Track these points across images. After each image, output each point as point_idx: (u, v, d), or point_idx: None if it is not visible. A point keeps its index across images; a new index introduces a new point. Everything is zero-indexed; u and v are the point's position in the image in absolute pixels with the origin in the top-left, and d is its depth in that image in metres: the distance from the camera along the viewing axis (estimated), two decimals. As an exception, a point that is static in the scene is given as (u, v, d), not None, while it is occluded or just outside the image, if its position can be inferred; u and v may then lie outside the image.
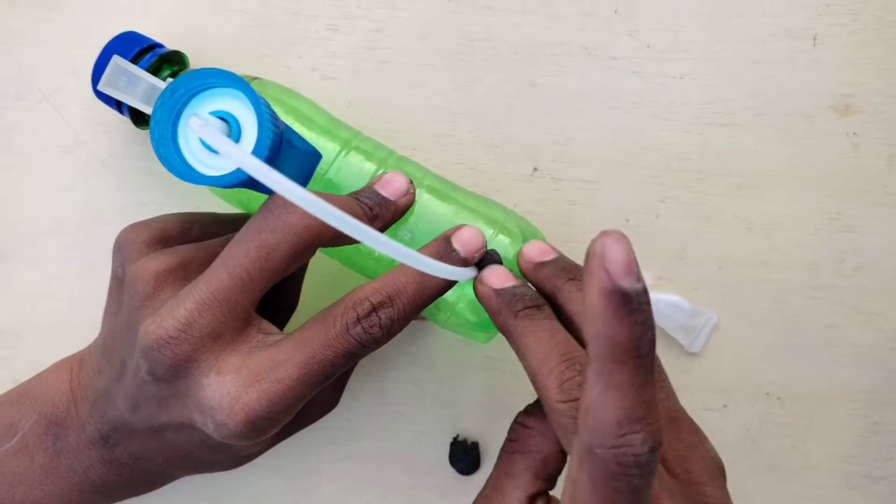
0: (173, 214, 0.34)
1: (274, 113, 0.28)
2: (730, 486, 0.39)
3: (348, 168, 0.33)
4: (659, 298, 0.38)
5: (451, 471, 0.40)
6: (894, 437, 0.39)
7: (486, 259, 0.31)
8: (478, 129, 0.39)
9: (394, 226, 0.33)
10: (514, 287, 0.30)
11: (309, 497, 0.40)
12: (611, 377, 0.22)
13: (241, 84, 0.28)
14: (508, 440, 0.29)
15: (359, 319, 0.28)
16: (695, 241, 0.39)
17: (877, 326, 0.39)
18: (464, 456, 0.39)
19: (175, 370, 0.28)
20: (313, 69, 0.39)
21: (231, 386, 0.28)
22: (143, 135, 0.39)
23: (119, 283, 0.32)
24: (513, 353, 0.39)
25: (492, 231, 0.33)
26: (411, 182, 0.32)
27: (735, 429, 0.39)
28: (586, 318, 0.22)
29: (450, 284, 0.30)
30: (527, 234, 0.34)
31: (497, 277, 0.30)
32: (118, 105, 0.35)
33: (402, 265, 0.30)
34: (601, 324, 0.21)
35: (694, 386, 0.39)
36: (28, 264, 0.40)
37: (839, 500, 0.39)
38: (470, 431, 0.40)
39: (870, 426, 0.39)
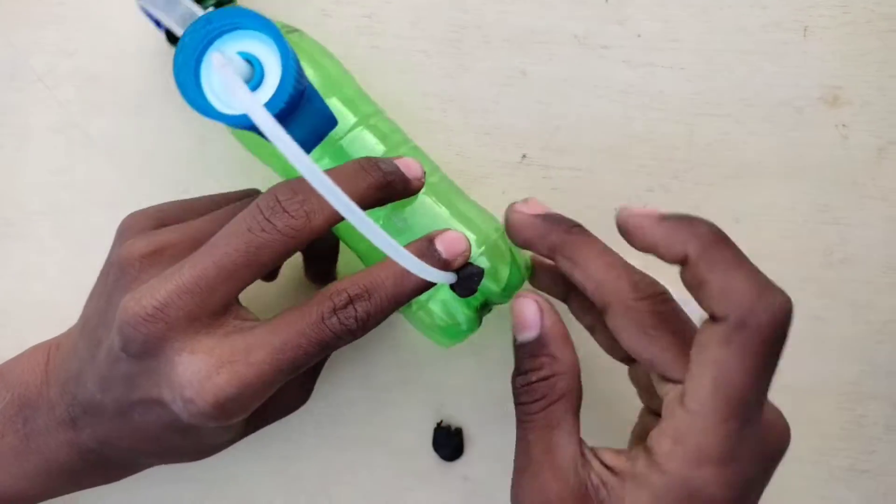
0: (173, 202, 0.34)
1: (301, 67, 0.28)
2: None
3: (360, 143, 0.33)
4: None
5: (434, 456, 0.40)
6: (879, 431, 0.39)
7: (466, 268, 0.31)
8: (467, 116, 0.39)
9: (389, 211, 0.33)
10: (555, 213, 0.31)
11: (290, 481, 0.40)
12: (723, 261, 0.26)
13: (273, 31, 0.27)
14: (527, 402, 0.29)
15: (335, 310, 0.29)
16: (682, 230, 0.39)
17: (864, 319, 0.39)
18: (447, 442, 0.39)
19: (147, 347, 0.28)
20: (304, 53, 0.39)
21: (202, 365, 0.28)
22: (136, 116, 0.40)
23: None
24: (499, 340, 0.39)
25: (482, 248, 0.33)
26: (424, 172, 0.32)
27: (720, 419, 0.39)
28: (661, 236, 0.27)
29: (428, 285, 0.30)
30: (516, 256, 0.34)
31: (533, 206, 0.31)
32: (157, 21, 0.35)
33: (385, 262, 0.30)
34: (677, 233, 0.26)
35: (679, 375, 0.39)
36: (19, 244, 0.40)
37: (823, 492, 0.39)
38: (453, 417, 0.40)
39: (855, 419, 0.39)
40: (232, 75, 0.26)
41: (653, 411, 0.33)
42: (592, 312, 0.34)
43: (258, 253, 0.28)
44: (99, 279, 0.34)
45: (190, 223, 0.33)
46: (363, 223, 0.25)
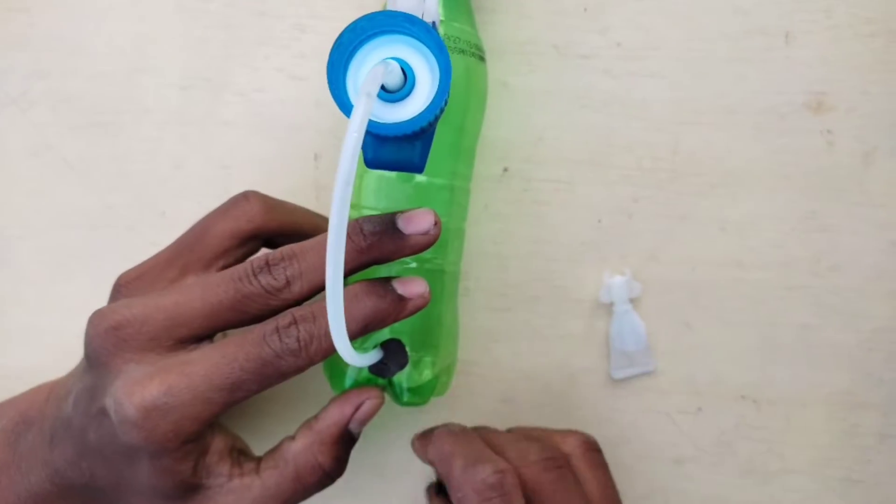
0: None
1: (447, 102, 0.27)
2: (706, 489, 0.39)
3: (423, 195, 0.33)
4: (626, 318, 0.38)
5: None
6: (872, 440, 0.38)
7: (391, 346, 0.32)
8: (447, 130, 0.39)
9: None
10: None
11: None
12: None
13: (446, 64, 0.26)
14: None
15: (278, 329, 0.29)
16: (668, 241, 0.38)
17: (854, 327, 0.38)
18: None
19: (102, 357, 0.29)
20: (280, 69, 0.39)
21: (141, 372, 0.28)
22: (111, 137, 0.39)
23: None
24: (483, 357, 0.39)
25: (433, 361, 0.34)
26: (437, 223, 0.29)
27: (710, 432, 0.38)
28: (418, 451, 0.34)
29: (378, 323, 0.29)
30: (448, 377, 0.36)
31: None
32: None
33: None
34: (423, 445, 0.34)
35: (667, 389, 0.38)
36: (-4, 269, 0.40)
37: (817, 503, 0.38)
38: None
39: (848, 429, 0.38)
40: (373, 79, 0.25)
41: None
42: None
43: (244, 301, 0.29)
44: None
45: (175, 241, 0.33)
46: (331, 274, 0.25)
